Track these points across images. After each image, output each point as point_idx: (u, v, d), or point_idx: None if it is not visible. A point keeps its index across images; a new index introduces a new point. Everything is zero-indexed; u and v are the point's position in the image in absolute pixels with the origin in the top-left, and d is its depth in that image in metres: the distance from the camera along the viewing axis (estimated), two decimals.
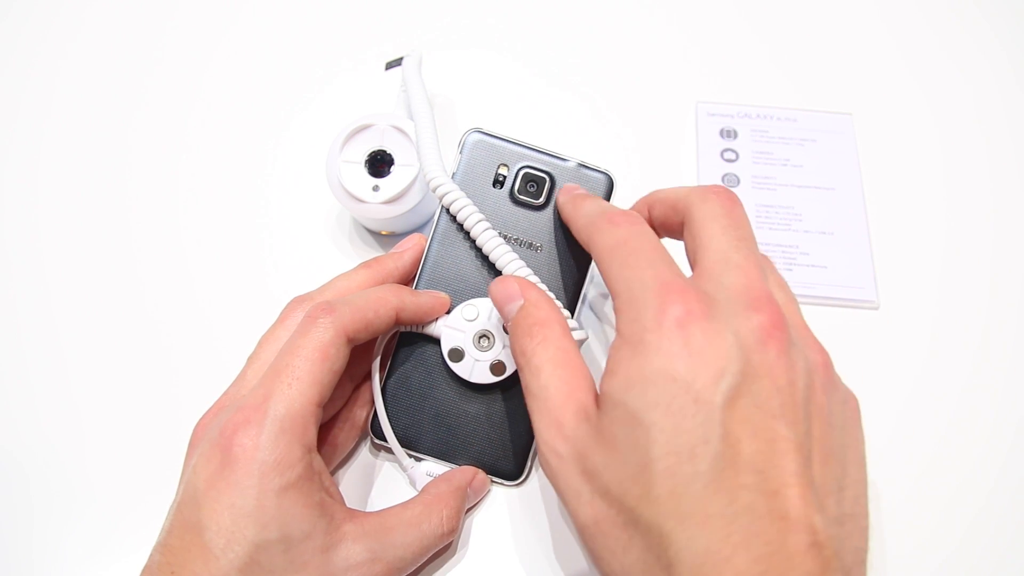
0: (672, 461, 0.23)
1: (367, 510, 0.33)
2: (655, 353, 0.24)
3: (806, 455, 0.23)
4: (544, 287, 0.33)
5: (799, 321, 0.28)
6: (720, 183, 0.45)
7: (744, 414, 0.23)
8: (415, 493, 0.34)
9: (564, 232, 0.35)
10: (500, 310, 0.31)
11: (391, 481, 0.36)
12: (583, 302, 0.37)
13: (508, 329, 0.30)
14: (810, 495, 0.22)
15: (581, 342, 0.33)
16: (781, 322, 0.25)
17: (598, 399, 0.26)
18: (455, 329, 0.34)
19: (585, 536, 0.25)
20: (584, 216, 0.31)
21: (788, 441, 0.23)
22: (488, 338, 0.34)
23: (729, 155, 0.46)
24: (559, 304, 0.31)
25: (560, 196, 0.34)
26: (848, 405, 0.28)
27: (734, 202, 0.29)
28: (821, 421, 0.25)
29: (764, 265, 0.28)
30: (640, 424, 0.24)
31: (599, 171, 0.36)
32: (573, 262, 0.35)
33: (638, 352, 0.24)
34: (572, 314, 0.35)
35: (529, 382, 0.28)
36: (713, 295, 0.25)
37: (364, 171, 0.39)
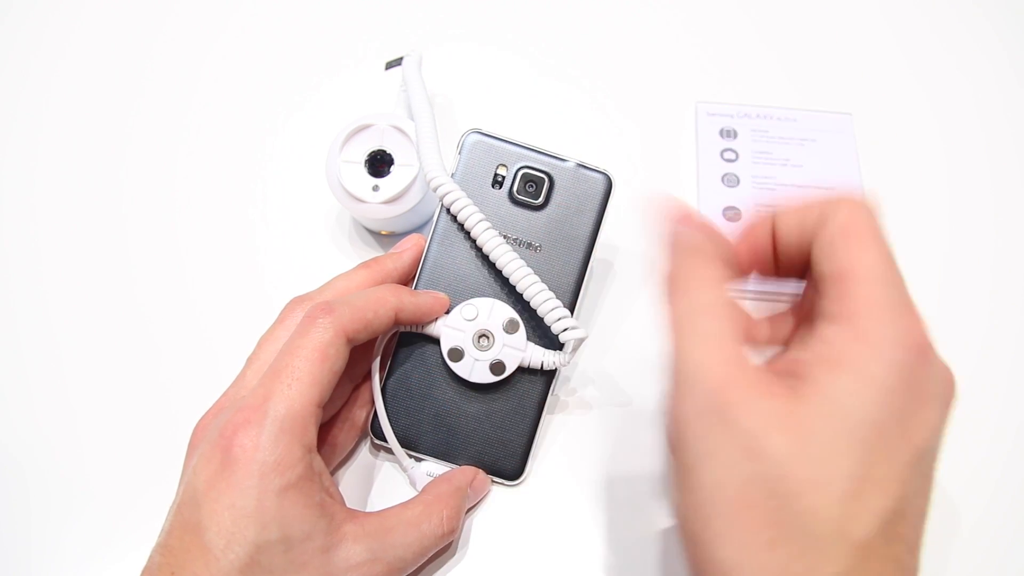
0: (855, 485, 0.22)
1: (367, 510, 0.33)
2: (889, 372, 0.23)
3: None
4: (544, 286, 0.33)
5: None
6: (720, 183, 0.45)
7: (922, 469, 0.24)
8: (415, 493, 0.34)
9: (563, 232, 0.35)
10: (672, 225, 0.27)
11: (391, 481, 0.36)
12: (583, 301, 0.36)
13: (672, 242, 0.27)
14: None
15: (581, 341, 0.33)
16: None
17: (788, 382, 0.24)
18: (455, 329, 0.34)
19: (709, 506, 0.23)
20: None
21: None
22: (488, 337, 0.34)
23: (729, 155, 0.46)
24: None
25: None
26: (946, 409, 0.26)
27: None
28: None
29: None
30: (853, 437, 0.22)
31: (598, 171, 0.36)
32: (572, 262, 0.35)
33: (874, 359, 0.23)
34: (572, 313, 0.35)
35: (694, 316, 0.25)
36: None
37: (364, 171, 0.39)
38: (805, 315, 0.28)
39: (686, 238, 0.27)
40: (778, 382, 0.24)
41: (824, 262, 0.25)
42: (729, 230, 0.29)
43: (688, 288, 0.26)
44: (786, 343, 0.29)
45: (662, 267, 0.27)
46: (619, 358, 0.39)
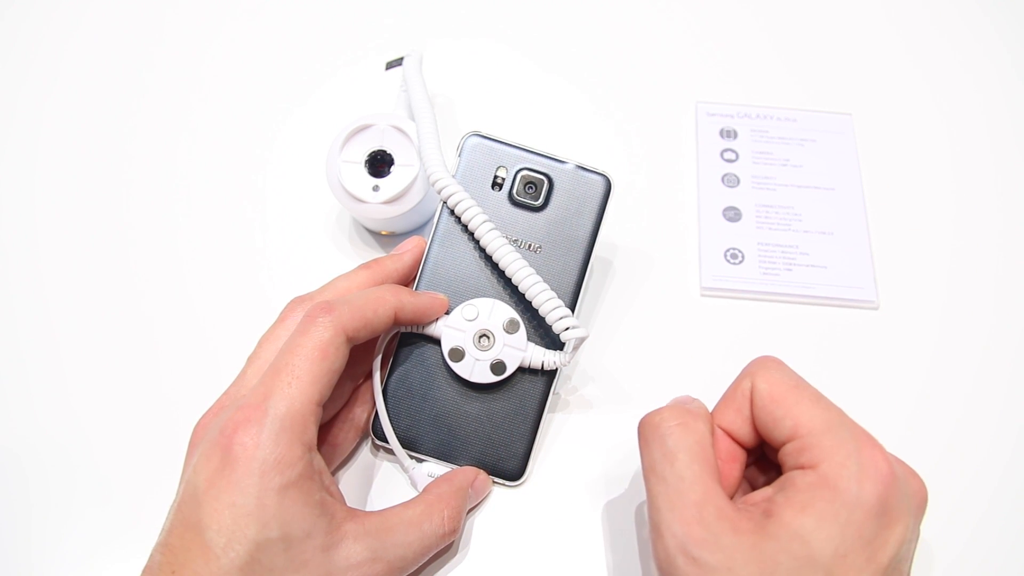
0: None
1: (368, 510, 0.33)
2: (855, 507, 0.25)
3: None
4: (545, 286, 0.33)
5: None
6: (720, 183, 0.45)
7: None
8: (416, 494, 0.34)
9: (562, 233, 0.35)
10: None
11: (392, 481, 0.36)
12: (582, 302, 0.37)
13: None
14: None
15: (581, 340, 0.33)
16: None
17: (755, 518, 0.26)
18: (455, 329, 0.34)
19: None
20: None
21: None
22: (488, 337, 0.34)
23: (729, 155, 0.46)
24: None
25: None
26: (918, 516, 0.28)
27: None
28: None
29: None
30: (816, 565, 0.25)
31: (597, 173, 0.36)
32: (572, 263, 0.35)
33: (838, 499, 0.25)
34: (573, 312, 0.35)
35: (659, 464, 0.28)
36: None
37: (364, 171, 0.39)
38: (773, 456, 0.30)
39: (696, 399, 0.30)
40: (746, 519, 0.26)
41: (771, 433, 0.28)
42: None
43: (662, 432, 0.28)
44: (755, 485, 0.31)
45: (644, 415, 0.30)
46: (619, 357, 0.39)
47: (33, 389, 0.39)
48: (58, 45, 0.51)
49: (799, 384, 0.29)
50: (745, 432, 0.30)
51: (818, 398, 0.28)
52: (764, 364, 0.30)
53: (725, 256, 0.42)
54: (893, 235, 0.43)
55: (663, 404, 0.30)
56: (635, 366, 0.39)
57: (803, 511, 0.25)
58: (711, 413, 0.30)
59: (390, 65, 0.46)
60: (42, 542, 0.35)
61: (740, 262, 0.42)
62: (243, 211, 0.45)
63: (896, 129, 0.48)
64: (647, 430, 0.29)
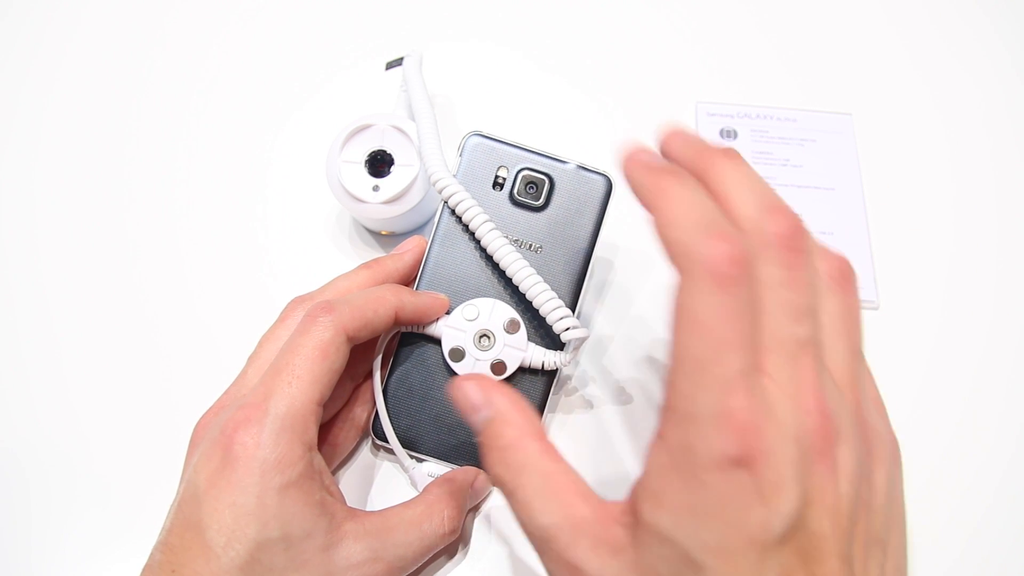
0: None
1: (368, 510, 0.33)
2: (711, 492, 0.21)
3: (850, 563, 0.22)
4: (546, 286, 0.33)
5: (867, 397, 0.26)
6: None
7: (796, 547, 0.21)
8: (416, 494, 0.34)
9: (563, 233, 0.35)
10: (466, 419, 0.27)
11: (392, 481, 0.36)
12: (583, 302, 0.37)
13: (479, 440, 0.26)
14: None
15: (582, 340, 0.33)
16: (830, 432, 0.22)
17: (629, 524, 0.23)
18: (455, 329, 0.34)
19: None
20: (683, 227, 0.22)
21: (834, 559, 0.22)
22: (488, 337, 0.34)
23: None
24: (528, 404, 0.26)
25: (630, 163, 0.25)
26: (894, 465, 0.25)
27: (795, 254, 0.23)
28: (865, 514, 0.23)
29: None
30: (693, 565, 0.21)
31: (598, 173, 0.36)
32: (573, 263, 0.35)
33: (691, 487, 0.21)
34: (573, 312, 0.35)
35: (523, 522, 0.24)
36: (769, 418, 0.21)
37: (364, 171, 0.39)
38: None
39: (500, 401, 0.26)
40: (621, 530, 0.23)
41: None
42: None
43: (513, 447, 0.25)
44: None
45: (481, 431, 0.26)
46: (620, 356, 0.39)
47: (33, 387, 0.39)
48: (58, 47, 0.51)
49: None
50: None
51: None
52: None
53: None
54: (893, 235, 0.43)
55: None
56: (636, 367, 0.39)
57: (658, 505, 0.22)
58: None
59: (390, 65, 0.46)
60: (42, 541, 0.35)
61: None
62: (243, 211, 0.45)
63: (896, 129, 0.48)
64: (501, 490, 0.25)
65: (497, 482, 0.25)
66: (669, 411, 0.22)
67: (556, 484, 0.24)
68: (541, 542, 0.24)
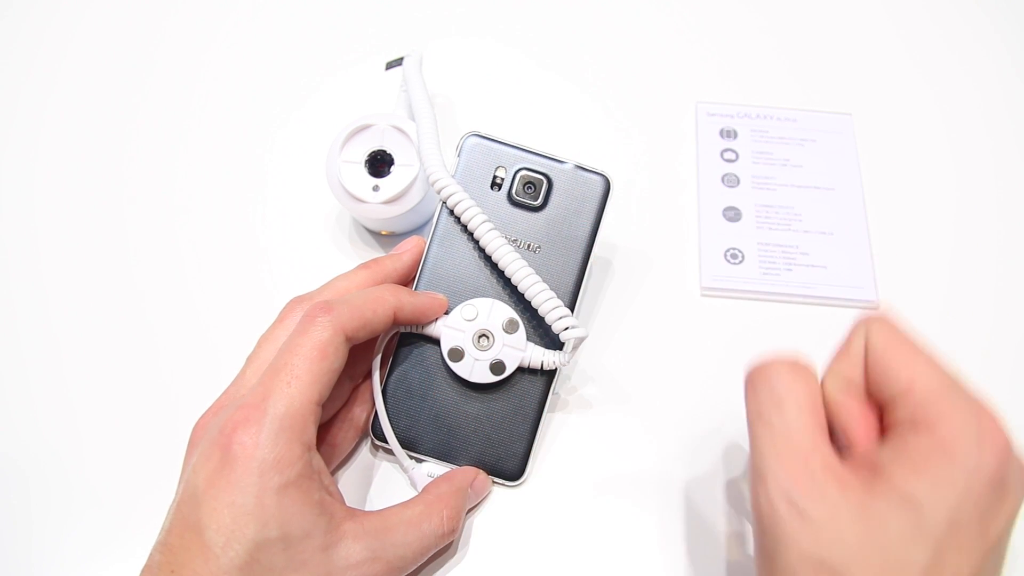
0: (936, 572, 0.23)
1: (367, 510, 0.33)
2: (973, 475, 0.24)
3: None
4: (545, 285, 0.33)
5: None
6: (720, 183, 0.45)
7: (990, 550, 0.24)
8: (416, 494, 0.34)
9: (561, 233, 0.35)
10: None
11: (391, 481, 0.36)
12: (582, 301, 0.37)
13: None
14: None
15: (581, 340, 0.33)
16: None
17: (864, 477, 0.25)
18: (454, 329, 0.34)
19: None
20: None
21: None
22: (488, 337, 0.34)
23: (729, 155, 0.46)
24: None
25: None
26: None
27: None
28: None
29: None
30: (926, 533, 0.23)
31: (596, 173, 0.36)
32: (571, 263, 0.35)
33: (956, 464, 0.24)
34: (572, 312, 0.35)
35: (766, 409, 0.26)
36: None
37: (364, 171, 0.39)
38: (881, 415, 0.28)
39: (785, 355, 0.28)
40: (853, 476, 0.25)
41: (884, 388, 0.27)
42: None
43: (771, 378, 0.27)
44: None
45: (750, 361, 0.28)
46: (619, 357, 0.39)
47: (32, 387, 0.39)
48: (59, 47, 0.51)
49: (915, 340, 0.27)
50: (855, 389, 0.28)
51: (934, 357, 0.27)
52: (878, 318, 0.28)
53: (725, 256, 0.42)
54: (893, 235, 0.43)
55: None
56: (635, 366, 0.39)
57: (917, 474, 0.24)
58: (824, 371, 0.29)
59: (390, 65, 0.46)
60: (42, 541, 0.35)
61: (740, 262, 0.42)
62: (243, 211, 0.45)
63: (896, 129, 0.47)
64: (755, 375, 0.28)
65: (759, 370, 0.28)
66: (940, 411, 0.25)
67: (819, 408, 0.27)
68: (780, 437, 0.26)
